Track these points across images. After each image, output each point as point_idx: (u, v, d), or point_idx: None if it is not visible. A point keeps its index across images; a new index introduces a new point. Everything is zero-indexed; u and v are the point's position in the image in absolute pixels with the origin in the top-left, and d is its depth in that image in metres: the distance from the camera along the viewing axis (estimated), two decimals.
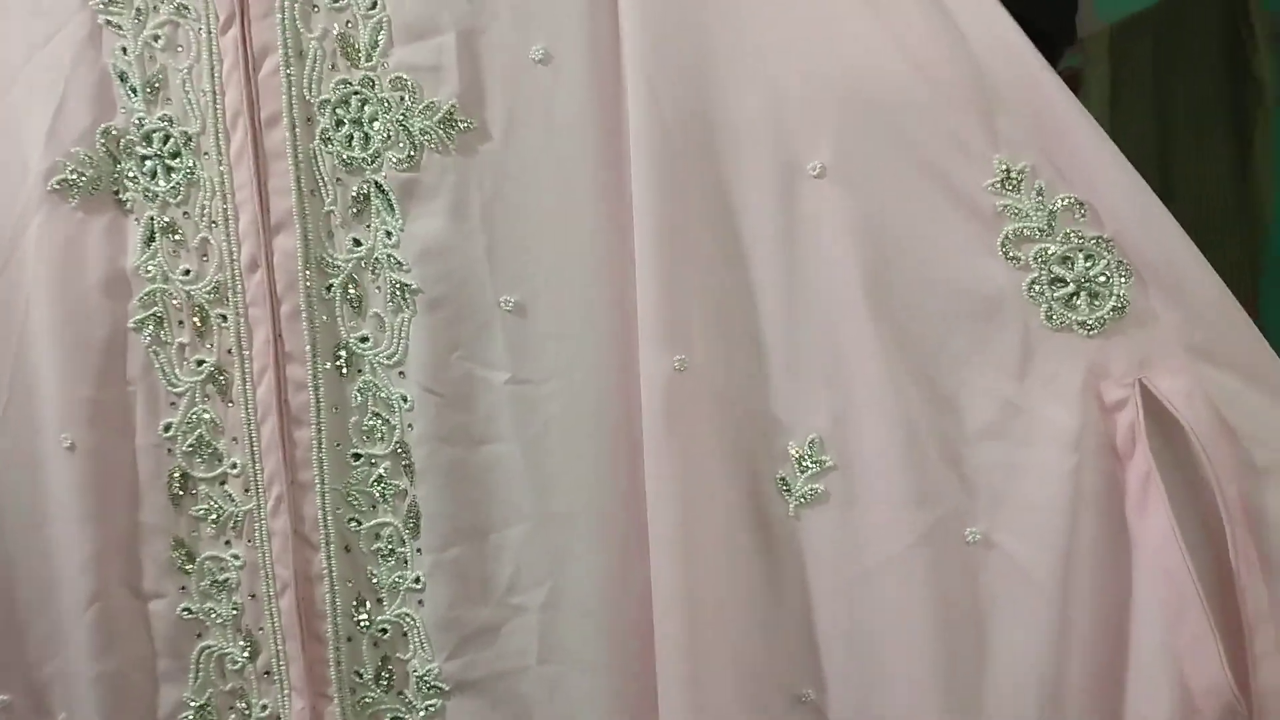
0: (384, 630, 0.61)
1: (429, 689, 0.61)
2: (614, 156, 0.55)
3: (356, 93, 0.56)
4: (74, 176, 0.59)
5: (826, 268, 0.55)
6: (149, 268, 0.60)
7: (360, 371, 0.59)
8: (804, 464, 0.56)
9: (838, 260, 0.54)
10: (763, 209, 0.55)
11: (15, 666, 0.64)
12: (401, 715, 0.62)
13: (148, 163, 0.60)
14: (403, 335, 0.58)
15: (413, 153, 0.56)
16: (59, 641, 0.63)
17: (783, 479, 0.57)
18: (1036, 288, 0.53)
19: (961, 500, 0.55)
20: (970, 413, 0.55)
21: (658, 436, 0.55)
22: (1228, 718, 0.52)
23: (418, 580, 0.60)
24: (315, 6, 0.56)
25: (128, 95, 0.59)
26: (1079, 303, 0.53)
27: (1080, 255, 0.53)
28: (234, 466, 0.61)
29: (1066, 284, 0.53)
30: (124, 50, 0.59)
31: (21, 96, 0.59)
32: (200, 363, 0.61)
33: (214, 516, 0.62)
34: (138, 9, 0.58)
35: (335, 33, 0.56)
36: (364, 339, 0.59)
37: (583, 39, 0.54)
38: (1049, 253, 0.53)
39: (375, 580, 0.61)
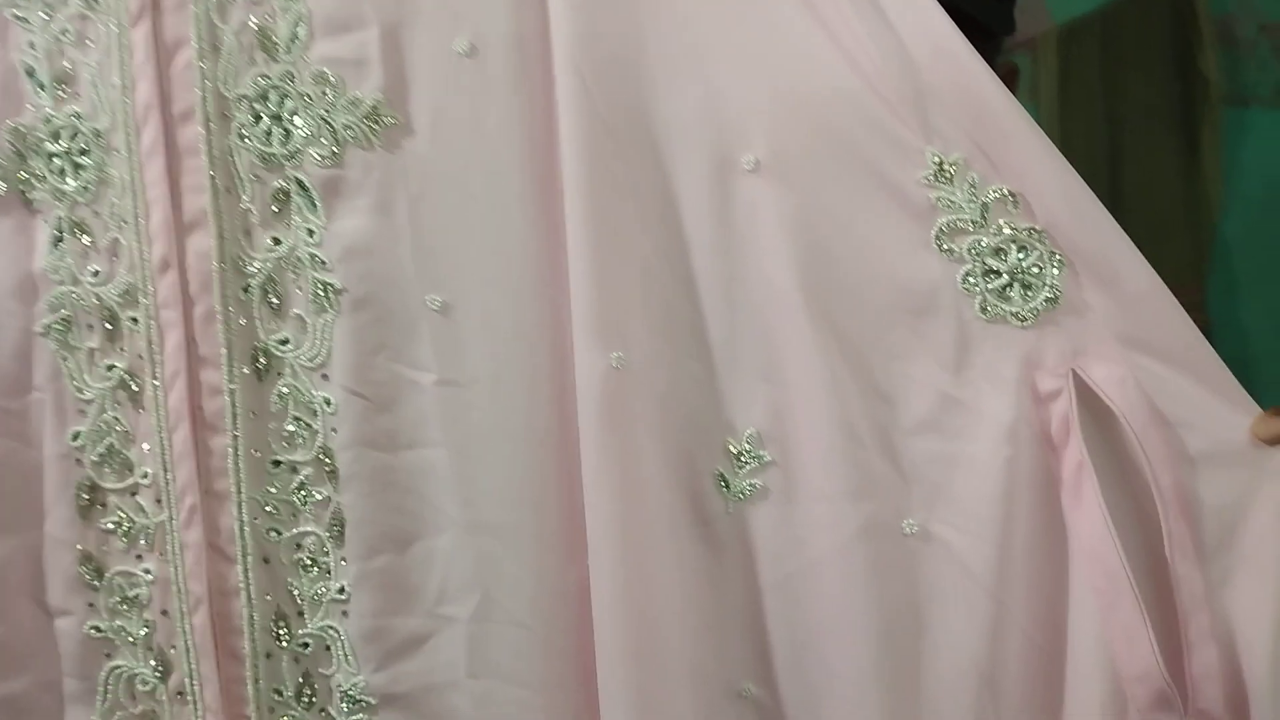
0: (305, 645, 0.59)
1: (354, 703, 0.58)
2: (543, 151, 0.54)
3: (276, 87, 0.55)
4: None
5: (762, 263, 0.55)
6: (57, 269, 0.58)
7: (280, 375, 0.57)
8: (742, 459, 0.56)
9: (773, 255, 0.54)
10: (698, 204, 0.55)
11: None
12: None
13: (56, 160, 0.57)
14: (326, 336, 0.56)
15: (336, 149, 0.55)
16: None
17: (721, 475, 0.56)
18: (970, 280, 0.53)
19: (898, 492, 0.55)
20: (906, 405, 0.55)
21: (594, 436, 0.54)
22: (1159, 704, 0.52)
23: (342, 590, 0.58)
24: None
25: (35, 91, 0.57)
26: (1012, 294, 0.53)
27: (1013, 246, 0.53)
28: (145, 476, 0.59)
29: (1000, 275, 0.53)
30: (31, 45, 0.57)
31: None
32: (110, 368, 0.58)
33: (124, 529, 0.59)
34: (46, 3, 0.56)
35: (253, 25, 0.55)
36: (284, 341, 0.57)
37: (508, 31, 0.54)
38: (982, 244, 0.53)
39: (296, 593, 0.59)
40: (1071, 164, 0.53)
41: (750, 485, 0.56)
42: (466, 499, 0.56)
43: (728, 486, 0.56)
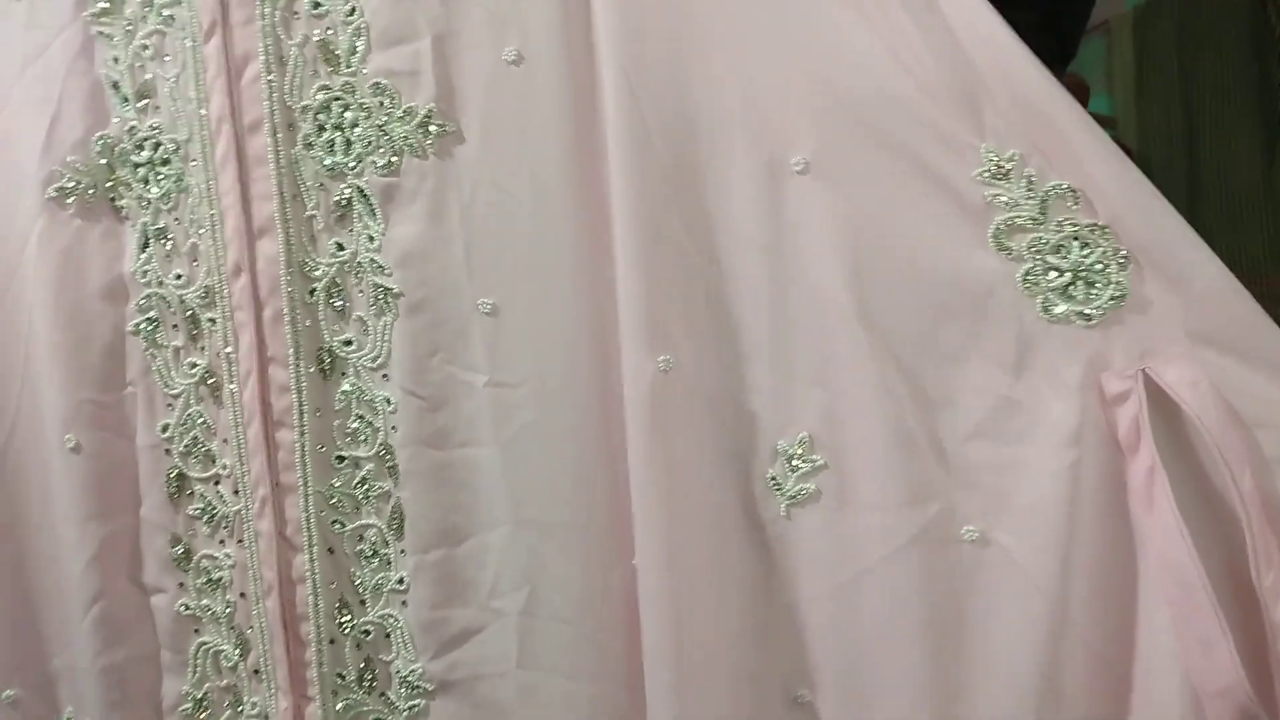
0: (367, 632, 0.62)
1: (412, 689, 0.61)
2: (590, 157, 0.55)
3: (337, 98, 0.57)
4: (71, 185, 0.61)
5: (812, 264, 0.54)
6: (145, 272, 0.62)
7: (344, 374, 0.60)
8: (795, 463, 0.56)
9: (823, 257, 0.54)
10: (745, 206, 0.54)
11: (25, 662, 0.66)
12: (384, 716, 0.62)
13: (140, 170, 0.61)
14: (385, 338, 0.58)
15: (393, 158, 0.57)
16: (66, 637, 0.65)
17: (773, 478, 0.56)
18: (1031, 278, 0.52)
19: (957, 498, 0.54)
20: (963, 409, 0.53)
21: (643, 439, 0.55)
22: None
23: (401, 581, 0.60)
24: (295, 13, 0.57)
25: (120, 104, 0.60)
26: (1076, 292, 0.51)
27: (1075, 243, 0.51)
28: (224, 467, 0.62)
29: (1062, 273, 0.51)
30: (115, 60, 0.60)
31: (17, 109, 0.61)
32: (193, 366, 0.62)
33: (208, 516, 0.63)
34: (127, 20, 0.59)
35: (316, 39, 0.57)
36: (347, 342, 0.59)
37: (556, 39, 0.54)
38: (1042, 242, 0.51)
39: (358, 582, 0.61)
40: (1147, 149, 0.51)
41: (802, 490, 0.55)
42: (515, 497, 0.58)
43: (780, 490, 0.56)
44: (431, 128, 0.55)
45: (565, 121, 0.55)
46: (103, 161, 0.61)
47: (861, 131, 0.52)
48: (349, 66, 0.56)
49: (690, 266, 0.55)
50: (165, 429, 0.63)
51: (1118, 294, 0.51)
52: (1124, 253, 0.50)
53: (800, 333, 0.55)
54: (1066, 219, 0.51)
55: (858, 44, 0.52)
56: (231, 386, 0.60)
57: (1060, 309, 0.51)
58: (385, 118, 0.56)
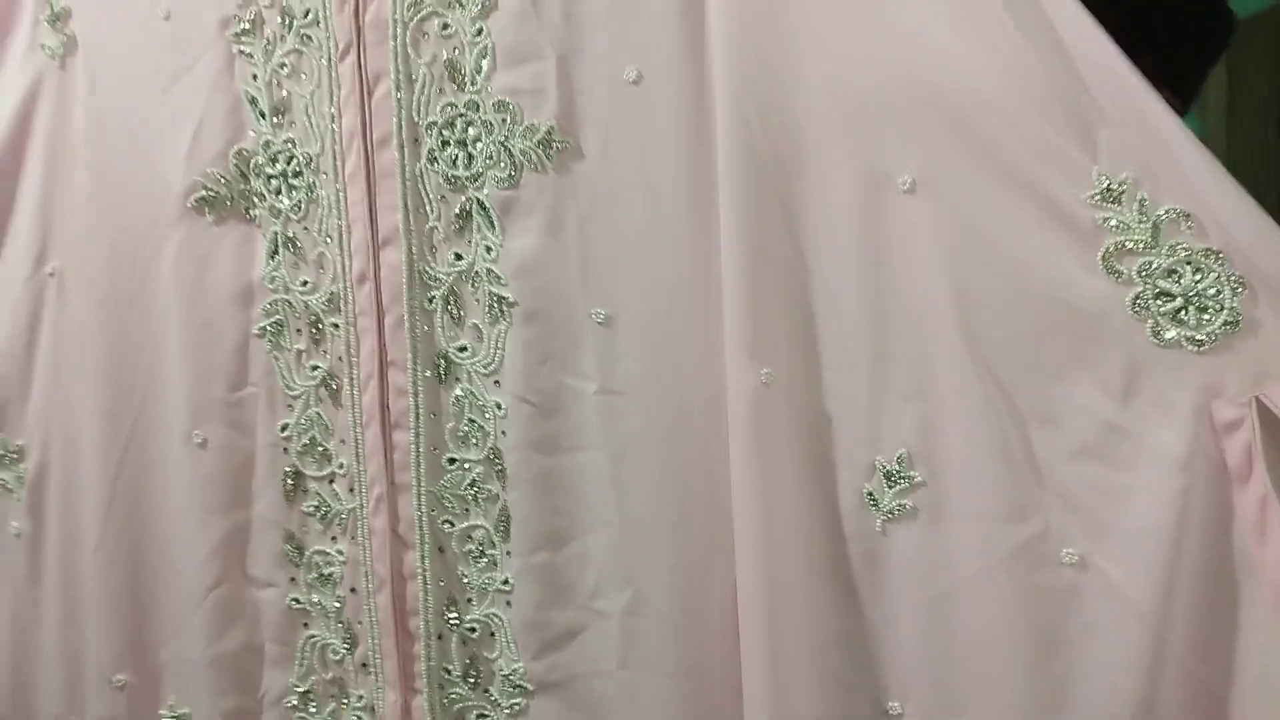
0: (473, 629, 0.63)
1: (514, 688, 0.62)
2: (702, 172, 0.56)
3: (461, 115, 0.59)
4: (210, 194, 0.64)
5: (914, 280, 0.54)
6: (273, 279, 0.65)
7: (458, 379, 0.62)
8: (892, 478, 0.56)
9: (925, 271, 0.54)
10: (847, 220, 0.55)
11: (137, 649, 0.69)
12: (486, 712, 0.64)
13: (273, 181, 0.64)
14: (499, 345, 0.60)
15: (513, 172, 0.59)
16: (178, 626, 0.68)
17: (870, 494, 0.56)
18: (1141, 303, 0.51)
19: (1056, 518, 0.53)
20: (1067, 431, 0.53)
21: (743, 448, 0.56)
22: None
23: (506, 582, 0.62)
24: (425, 34, 0.59)
25: (257, 119, 0.64)
26: (1187, 317, 0.51)
27: (1188, 268, 0.51)
28: (341, 467, 0.65)
29: (1173, 298, 0.51)
30: (254, 77, 0.63)
31: (164, 122, 0.65)
32: (315, 368, 0.65)
33: (322, 513, 0.66)
34: (267, 40, 0.63)
35: (443, 58, 0.59)
36: (462, 348, 0.61)
37: (673, 60, 0.56)
38: (1154, 266, 0.51)
39: (466, 580, 0.63)
40: (1240, 173, 0.51)
41: (900, 505, 0.56)
42: (620, 501, 0.59)
43: (877, 506, 0.56)
44: (552, 143, 0.58)
45: (680, 138, 0.56)
46: (239, 173, 0.64)
47: (971, 149, 0.52)
48: (474, 84, 0.59)
49: (792, 279, 0.56)
50: (284, 428, 0.66)
51: (1231, 320, 0.50)
52: (1238, 278, 0.50)
53: (899, 346, 0.55)
54: (1179, 243, 0.51)
55: (969, 60, 0.52)
56: (351, 388, 0.63)
57: (1171, 334, 0.51)
58: (507, 133, 0.58)
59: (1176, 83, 0.76)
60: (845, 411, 0.56)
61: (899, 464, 0.56)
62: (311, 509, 0.66)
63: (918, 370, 0.55)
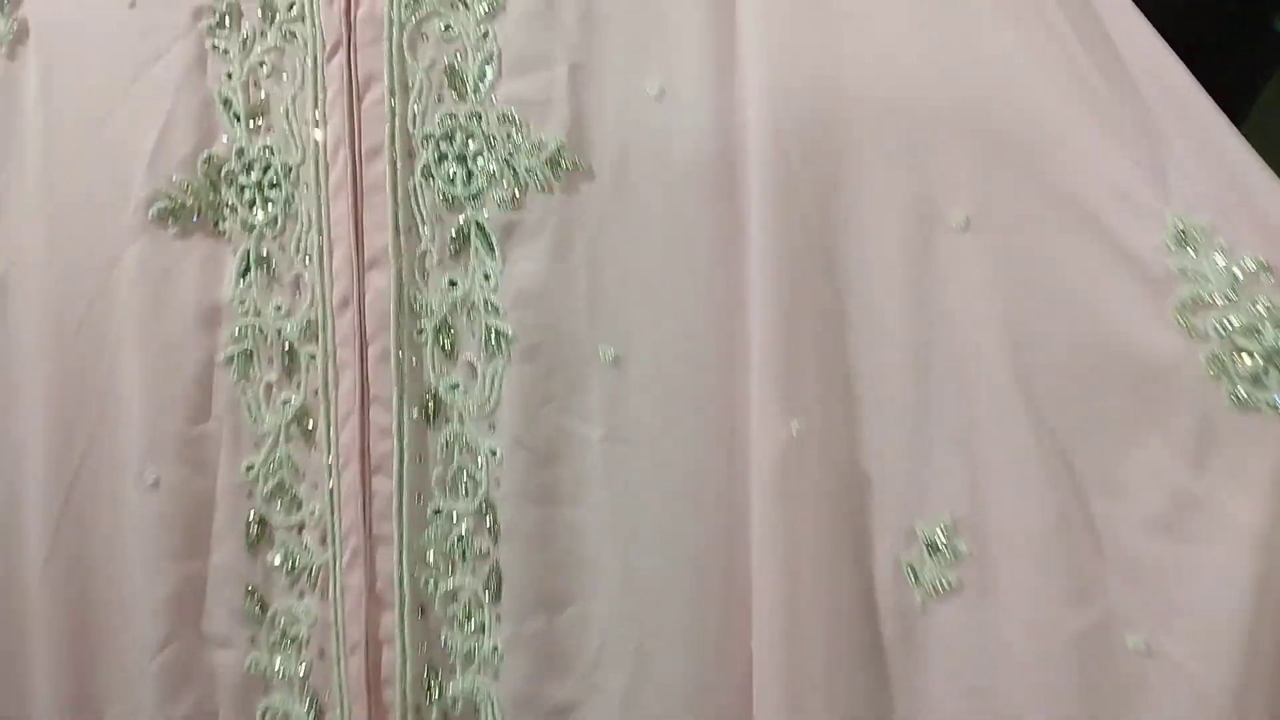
0: (455, 702, 0.57)
1: None
2: (729, 199, 0.51)
3: (462, 127, 0.54)
4: (175, 205, 0.58)
5: (963, 325, 0.50)
6: (243, 300, 0.59)
7: (448, 421, 0.56)
8: (936, 549, 0.51)
9: (976, 317, 0.50)
10: (892, 259, 0.51)
11: (80, 711, 0.62)
12: None
13: (246, 192, 0.58)
14: (495, 384, 0.55)
15: (517, 193, 0.54)
16: (126, 685, 0.61)
17: (910, 566, 0.52)
18: (1217, 361, 0.47)
19: (1119, 598, 0.49)
20: (1133, 500, 0.49)
21: (769, 510, 0.51)
22: None
23: (495, 650, 0.56)
24: (424, 35, 0.54)
25: (231, 122, 0.58)
26: (1269, 380, 0.46)
27: (1269, 325, 0.46)
28: (312, 514, 0.59)
29: (1253, 357, 0.46)
30: (229, 76, 0.57)
31: (126, 120, 0.59)
32: (286, 403, 0.59)
33: (289, 566, 0.59)
34: (245, 35, 0.57)
35: (443, 64, 0.54)
36: (454, 386, 0.56)
37: (701, 71, 0.51)
38: (1232, 322, 0.47)
39: (449, 647, 0.57)
40: None
41: (944, 579, 0.51)
42: (625, 563, 0.54)
43: (918, 581, 0.52)
44: (561, 162, 0.52)
45: (706, 161, 0.51)
46: (208, 182, 0.58)
47: (1033, 187, 0.48)
48: (477, 93, 0.54)
49: (828, 322, 0.51)
50: (249, 469, 0.59)
51: None
52: None
53: (945, 399, 0.51)
54: (1259, 297, 0.46)
55: (1030, 78, 0.48)
56: (328, 427, 0.57)
57: (1249, 397, 0.47)
58: (512, 149, 0.53)
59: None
60: (885, 471, 0.52)
61: (944, 533, 0.51)
62: (277, 561, 0.59)
63: (967, 428, 0.50)
